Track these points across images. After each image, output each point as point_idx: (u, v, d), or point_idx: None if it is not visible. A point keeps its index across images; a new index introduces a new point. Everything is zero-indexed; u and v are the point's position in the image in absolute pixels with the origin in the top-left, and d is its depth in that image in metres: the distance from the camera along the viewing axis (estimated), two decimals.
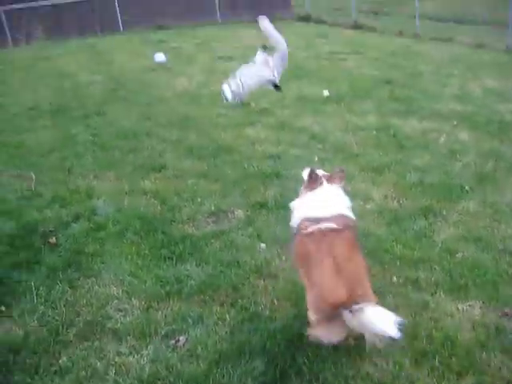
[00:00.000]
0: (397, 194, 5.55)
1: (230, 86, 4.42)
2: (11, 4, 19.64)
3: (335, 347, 3.42)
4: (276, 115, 8.19)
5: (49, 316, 3.86)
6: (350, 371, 3.28)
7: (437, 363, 3.30)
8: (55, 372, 3.40)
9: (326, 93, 9.37)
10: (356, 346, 3.42)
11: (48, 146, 7.37)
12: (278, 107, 8.75)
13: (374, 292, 3.19)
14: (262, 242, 4.69)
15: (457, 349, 3.40)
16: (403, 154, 6.56)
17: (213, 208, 5.33)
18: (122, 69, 12.65)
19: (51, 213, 5.35)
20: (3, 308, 3.97)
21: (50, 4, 20.89)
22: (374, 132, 7.38)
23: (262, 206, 5.28)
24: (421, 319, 3.69)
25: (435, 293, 3.97)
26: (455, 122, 7.77)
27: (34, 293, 4.09)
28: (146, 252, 4.56)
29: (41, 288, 4.15)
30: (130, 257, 4.50)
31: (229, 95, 4.66)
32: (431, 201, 5.34)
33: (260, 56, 4.86)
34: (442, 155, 6.55)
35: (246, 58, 13.09)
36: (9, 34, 19.38)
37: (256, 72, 5.40)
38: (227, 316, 3.77)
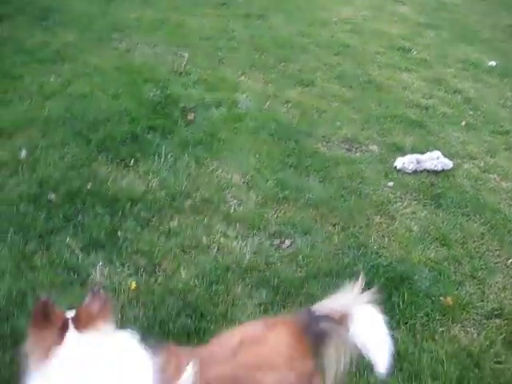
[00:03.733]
0: None
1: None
2: None
3: (433, 302, 3.37)
4: (435, 69, 7.86)
5: (170, 182, 4.03)
6: (440, 328, 3.24)
7: None
8: (163, 231, 3.58)
9: (492, 63, 8.86)
10: (453, 307, 3.37)
11: (206, 33, 7.47)
12: (439, 63, 8.37)
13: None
14: (391, 180, 4.62)
15: None
16: None
17: (349, 135, 5.26)
18: None
19: (195, 92, 5.49)
20: (131, 163, 4.18)
21: None
22: None
23: (398, 148, 5.14)
24: None
25: None
26: None
27: (162, 157, 4.26)
28: (276, 155, 4.61)
29: (169, 155, 4.33)
30: (258, 154, 4.57)
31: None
32: None
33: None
34: None
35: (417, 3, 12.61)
36: None
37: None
38: (336, 237, 3.79)
